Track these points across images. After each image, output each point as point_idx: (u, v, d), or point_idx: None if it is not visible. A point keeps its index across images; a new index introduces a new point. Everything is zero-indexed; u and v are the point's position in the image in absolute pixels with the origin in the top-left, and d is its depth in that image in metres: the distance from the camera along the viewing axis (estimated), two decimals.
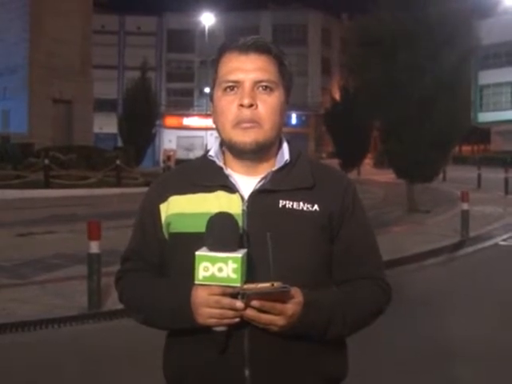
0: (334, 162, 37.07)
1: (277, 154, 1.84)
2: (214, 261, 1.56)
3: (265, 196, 1.75)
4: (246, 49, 1.77)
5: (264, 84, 1.75)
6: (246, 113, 1.73)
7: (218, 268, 1.56)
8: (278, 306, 1.59)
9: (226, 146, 1.82)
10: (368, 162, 42.51)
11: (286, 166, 1.81)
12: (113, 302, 7.29)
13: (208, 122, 67.35)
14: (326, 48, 68.94)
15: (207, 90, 69.08)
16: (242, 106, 1.74)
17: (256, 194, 1.76)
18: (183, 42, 66.64)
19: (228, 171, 1.81)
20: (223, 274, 1.56)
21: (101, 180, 24.55)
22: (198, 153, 59.83)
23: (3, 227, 13.83)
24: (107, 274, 7.47)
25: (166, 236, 1.83)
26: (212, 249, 1.58)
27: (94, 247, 7.08)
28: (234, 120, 1.75)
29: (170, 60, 69.03)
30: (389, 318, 6.87)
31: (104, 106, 54.60)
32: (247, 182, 1.79)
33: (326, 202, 1.78)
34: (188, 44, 67.18)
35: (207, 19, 65.15)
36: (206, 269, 1.57)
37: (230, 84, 1.76)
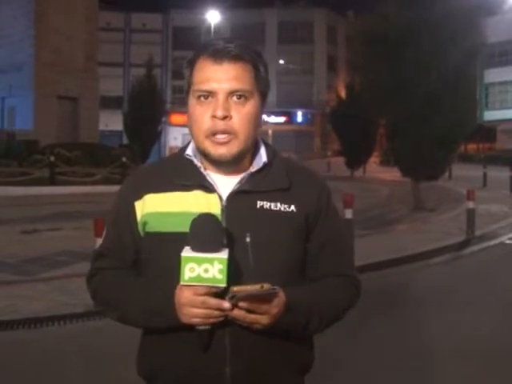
0: (340, 160, 37.10)
1: (253, 154, 1.84)
2: (200, 262, 1.57)
3: (243, 197, 1.76)
4: (220, 57, 1.73)
5: (238, 93, 1.73)
6: (220, 124, 1.72)
7: (204, 269, 1.57)
8: (264, 306, 1.62)
9: (201, 154, 1.80)
10: (374, 160, 42.45)
11: (263, 167, 1.81)
12: None
13: None
14: (332, 46, 68.83)
15: None
16: (215, 117, 1.72)
17: (234, 195, 1.76)
18: (189, 39, 66.49)
19: (206, 171, 1.80)
20: (209, 275, 1.57)
21: (106, 177, 24.60)
22: None
23: (8, 224, 13.89)
24: None
25: (142, 234, 1.82)
26: (196, 249, 1.59)
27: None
28: (207, 131, 1.73)
29: (176, 57, 68.93)
30: (394, 317, 6.90)
31: (109, 103, 54.63)
32: (225, 182, 1.79)
33: (302, 202, 1.80)
34: (194, 41, 66.78)
35: (213, 17, 65.10)
36: (191, 270, 1.57)
37: (204, 94, 1.74)
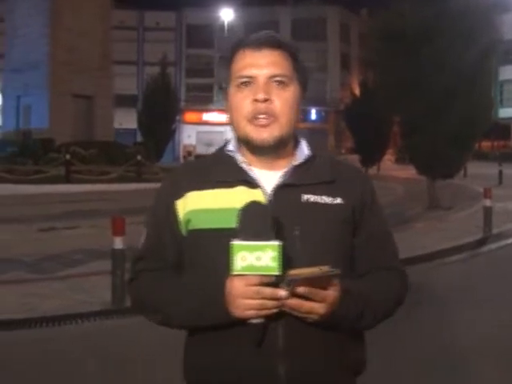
0: (354, 158, 36.99)
1: (294, 149, 1.84)
2: (251, 249, 1.52)
3: (288, 190, 1.75)
4: (258, 45, 1.77)
5: (278, 79, 1.75)
6: (261, 106, 1.72)
7: (256, 257, 1.52)
8: (322, 292, 1.57)
9: (243, 142, 1.80)
10: (389, 157, 42.31)
11: (307, 160, 1.81)
12: None
13: None
14: (345, 43, 68.68)
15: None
16: (256, 100, 1.73)
17: (279, 189, 1.75)
18: (202, 37, 66.65)
19: (248, 166, 1.79)
20: (262, 263, 1.52)
21: (121, 175, 24.69)
22: None
23: (25, 222, 13.94)
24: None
25: (184, 233, 1.79)
26: (246, 238, 1.54)
27: (119, 243, 7.07)
28: (248, 115, 1.74)
29: (190, 55, 69.06)
30: (411, 316, 6.84)
31: (123, 101, 54.73)
32: (268, 176, 1.78)
33: (347, 195, 1.79)
34: (207, 39, 67.16)
35: (226, 14, 65.18)
36: (243, 258, 1.53)
37: (244, 80, 1.75)
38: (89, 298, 7.53)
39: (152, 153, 29.66)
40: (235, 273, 1.55)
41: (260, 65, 1.75)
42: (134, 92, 61.86)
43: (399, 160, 40.67)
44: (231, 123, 1.81)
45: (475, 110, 16.11)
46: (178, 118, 42.36)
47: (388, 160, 42.35)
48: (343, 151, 57.84)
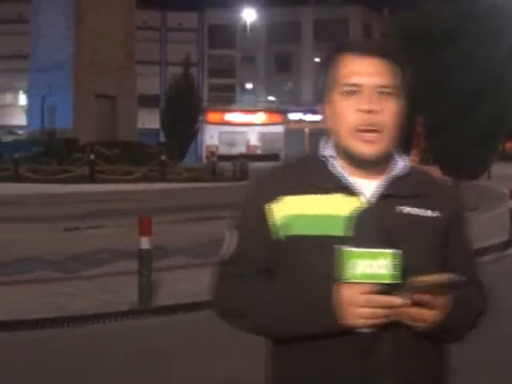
0: None
1: (388, 158, 1.78)
2: (364, 257, 1.51)
3: (385, 201, 1.70)
4: (368, 51, 1.70)
5: (385, 89, 1.68)
6: (366, 118, 1.67)
7: (369, 264, 1.50)
8: (439, 299, 1.56)
9: (342, 151, 1.74)
10: (413, 158, 42.02)
11: (405, 172, 1.78)
12: (163, 298, 7.34)
13: (251, 118, 67.49)
14: None
15: (249, 85, 69.40)
16: (360, 111, 1.67)
17: (378, 199, 1.71)
18: (224, 37, 66.72)
19: (345, 173, 1.74)
20: (374, 271, 1.50)
21: (145, 175, 24.78)
22: (240, 149, 59.98)
23: (50, 221, 13.99)
24: (156, 270, 7.54)
25: (279, 238, 1.73)
26: (357, 246, 1.53)
27: (145, 243, 7.06)
28: (352, 126, 1.68)
29: (212, 56, 69.18)
30: None
31: (146, 101, 54.94)
32: (364, 185, 1.73)
33: (442, 208, 1.76)
34: (229, 40, 67.25)
35: (248, 15, 65.22)
36: (355, 266, 1.51)
37: (349, 88, 1.69)
38: (115, 297, 7.55)
39: (175, 153, 29.73)
40: (348, 280, 1.52)
41: (367, 73, 1.68)
42: (156, 92, 62.10)
43: (423, 161, 40.46)
44: (332, 130, 1.76)
45: (502, 110, 16.00)
46: (200, 118, 42.44)
47: (412, 161, 41.97)
48: None
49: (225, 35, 66.59)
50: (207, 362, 5.58)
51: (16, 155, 24.92)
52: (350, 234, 1.57)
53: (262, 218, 1.74)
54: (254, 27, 65.87)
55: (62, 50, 30.19)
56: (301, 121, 65.94)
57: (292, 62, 67.88)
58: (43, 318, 6.83)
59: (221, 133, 66.20)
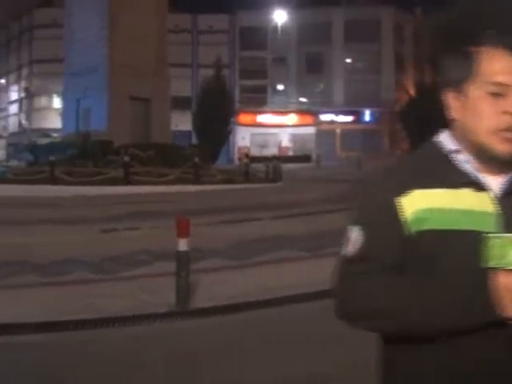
0: None
1: None
2: None
3: (510, 197, 1.68)
4: None
5: None
6: (511, 121, 1.63)
7: None
8: None
9: (474, 147, 1.70)
10: None
11: None
12: (200, 300, 7.34)
13: (282, 119, 67.42)
14: (399, 43, 67.91)
15: (280, 87, 69.29)
16: (508, 113, 1.62)
17: (506, 195, 1.68)
18: (256, 39, 66.82)
19: (473, 169, 1.71)
20: None
21: (179, 177, 24.87)
22: (272, 150, 59.98)
23: (86, 223, 14.12)
24: (193, 272, 7.54)
25: (411, 232, 1.68)
26: None
27: (183, 245, 7.07)
28: (493, 127, 1.64)
29: (243, 57, 69.30)
30: None
31: (178, 103, 55.21)
32: (491, 181, 1.70)
33: None
34: (260, 41, 67.33)
35: (279, 16, 65.21)
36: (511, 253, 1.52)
37: (496, 88, 1.64)
38: (153, 299, 7.55)
39: (208, 155, 29.82)
40: (506, 267, 1.52)
41: None
42: (188, 94, 62.37)
43: None
44: (463, 124, 1.71)
45: None
46: (232, 119, 42.53)
47: None
48: (398, 152, 57.19)
49: (256, 37, 66.68)
50: (249, 365, 5.55)
51: (51, 158, 25.20)
52: (498, 229, 1.57)
53: (392, 213, 1.69)
54: (284, 28, 65.86)
55: (95, 52, 30.41)
56: (332, 122, 65.76)
57: (323, 63, 67.71)
58: (81, 319, 6.85)
59: (252, 134, 66.22)
